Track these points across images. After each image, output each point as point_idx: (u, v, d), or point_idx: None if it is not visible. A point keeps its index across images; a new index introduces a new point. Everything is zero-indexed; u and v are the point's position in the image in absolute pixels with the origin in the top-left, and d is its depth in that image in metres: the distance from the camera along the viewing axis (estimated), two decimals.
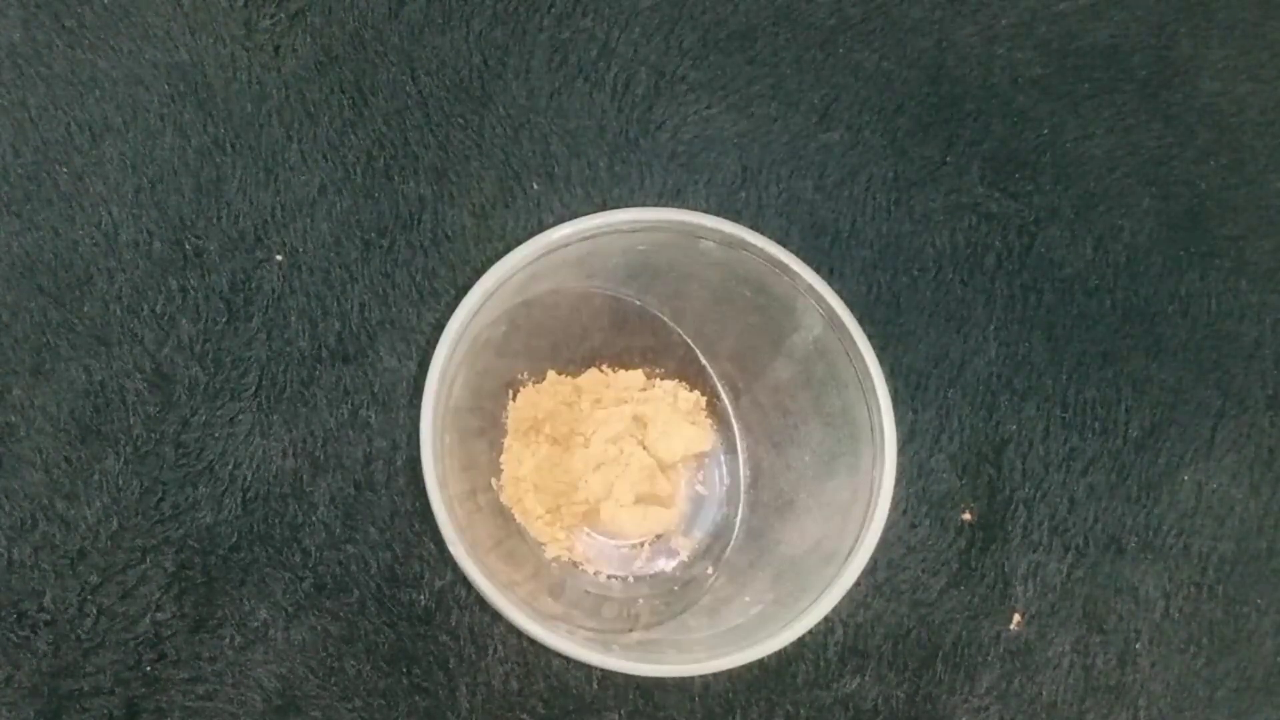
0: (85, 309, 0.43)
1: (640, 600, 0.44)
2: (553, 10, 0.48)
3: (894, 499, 0.40)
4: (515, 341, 0.44)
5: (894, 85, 0.51)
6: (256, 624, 0.42)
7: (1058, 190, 0.51)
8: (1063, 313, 0.50)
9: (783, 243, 0.41)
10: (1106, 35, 0.53)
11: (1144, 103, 0.53)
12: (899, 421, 0.39)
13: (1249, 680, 0.49)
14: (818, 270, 0.41)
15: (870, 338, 0.41)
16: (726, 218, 0.40)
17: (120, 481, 0.42)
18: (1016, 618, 0.47)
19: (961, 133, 0.51)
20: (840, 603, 0.39)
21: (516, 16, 0.48)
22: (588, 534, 0.45)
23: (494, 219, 0.46)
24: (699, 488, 0.46)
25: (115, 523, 0.42)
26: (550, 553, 0.44)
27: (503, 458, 0.44)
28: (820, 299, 0.41)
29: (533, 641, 0.36)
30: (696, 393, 0.46)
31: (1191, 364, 0.51)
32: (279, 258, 0.45)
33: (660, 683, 0.44)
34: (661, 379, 0.46)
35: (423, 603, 0.43)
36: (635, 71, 0.49)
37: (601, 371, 0.46)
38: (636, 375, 0.46)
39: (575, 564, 0.44)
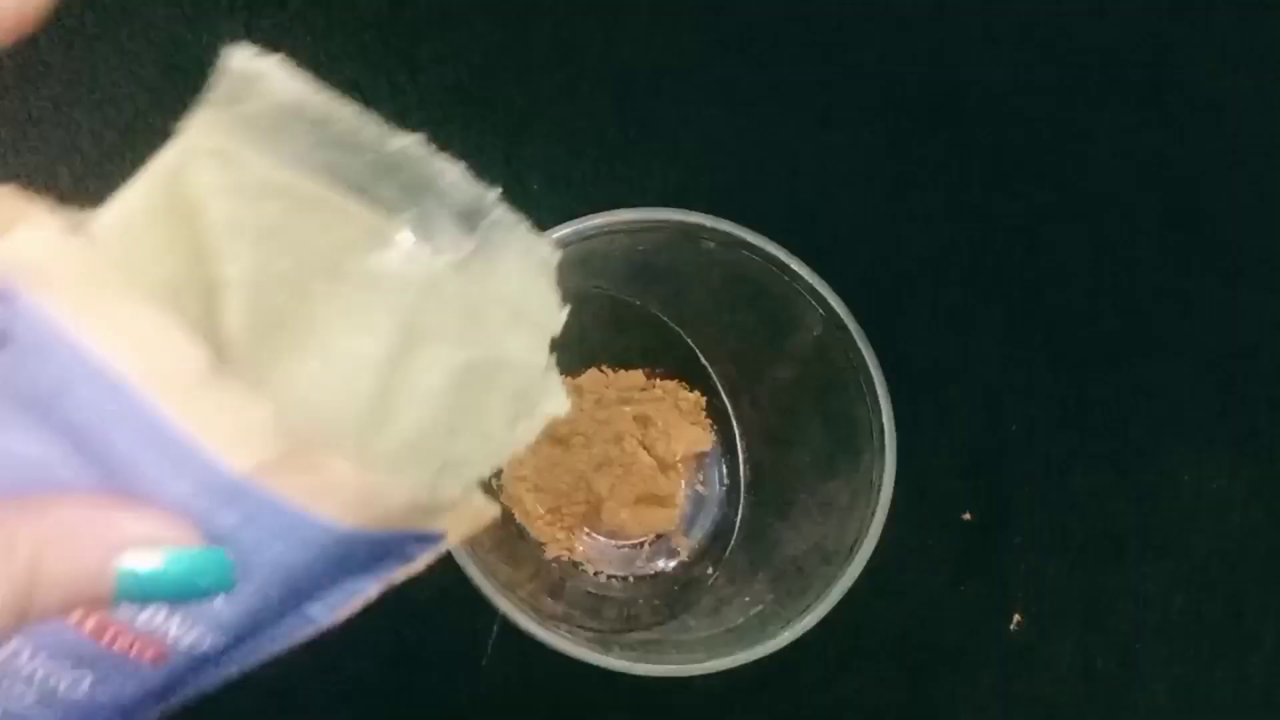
0: None
1: (640, 600, 0.44)
2: (553, 10, 0.48)
3: (894, 499, 0.40)
4: None
5: (894, 85, 0.51)
6: None
7: (1058, 190, 0.51)
8: (1063, 313, 0.50)
9: (783, 243, 0.41)
10: (1106, 35, 0.53)
11: (1144, 103, 0.53)
12: (899, 421, 0.39)
13: (1249, 680, 0.49)
14: (818, 270, 0.41)
15: (870, 338, 0.41)
16: (726, 218, 0.40)
17: None
18: (1016, 618, 0.47)
19: (961, 133, 0.51)
20: (840, 603, 0.39)
21: (516, 16, 0.48)
22: (588, 534, 0.45)
23: None
24: (699, 488, 0.46)
25: None
26: (550, 553, 0.44)
27: None
28: (820, 299, 0.41)
29: (533, 641, 0.36)
30: (696, 393, 0.46)
31: (1191, 364, 0.51)
32: None
33: (660, 683, 0.44)
34: (661, 379, 0.46)
35: (423, 603, 0.43)
36: (635, 71, 0.49)
37: (601, 371, 0.46)
38: (636, 375, 0.46)
39: (576, 564, 0.44)
